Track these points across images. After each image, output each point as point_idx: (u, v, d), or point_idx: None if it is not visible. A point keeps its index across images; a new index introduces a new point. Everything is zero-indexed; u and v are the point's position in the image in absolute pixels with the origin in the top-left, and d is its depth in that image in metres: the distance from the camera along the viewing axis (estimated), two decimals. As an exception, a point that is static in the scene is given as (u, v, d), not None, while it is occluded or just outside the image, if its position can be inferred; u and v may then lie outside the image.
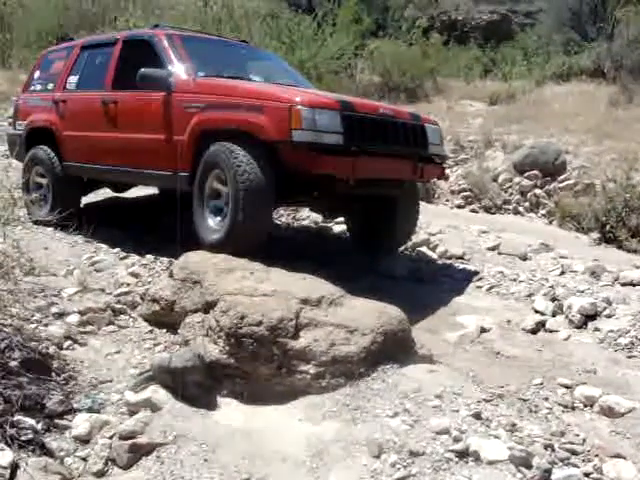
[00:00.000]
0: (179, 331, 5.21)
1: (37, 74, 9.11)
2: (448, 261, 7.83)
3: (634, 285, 7.09)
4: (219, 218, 6.09)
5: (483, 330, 5.84)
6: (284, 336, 4.59)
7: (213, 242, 5.95)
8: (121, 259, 7.01)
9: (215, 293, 5.00)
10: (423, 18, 28.26)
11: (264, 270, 5.41)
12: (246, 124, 5.88)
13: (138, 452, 4.04)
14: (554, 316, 6.25)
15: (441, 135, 7.22)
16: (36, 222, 8.00)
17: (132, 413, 4.39)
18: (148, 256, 6.95)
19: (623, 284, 7.12)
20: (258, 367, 4.57)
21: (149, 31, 7.63)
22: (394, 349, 4.76)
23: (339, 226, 8.84)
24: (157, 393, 4.49)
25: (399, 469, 3.73)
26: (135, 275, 6.48)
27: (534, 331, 6.02)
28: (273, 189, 5.85)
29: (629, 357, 5.58)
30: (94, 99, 7.67)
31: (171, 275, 5.59)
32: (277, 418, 4.36)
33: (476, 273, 7.27)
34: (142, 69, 6.60)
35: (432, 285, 6.74)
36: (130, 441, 4.08)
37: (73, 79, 8.31)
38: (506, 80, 21.08)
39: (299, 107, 5.62)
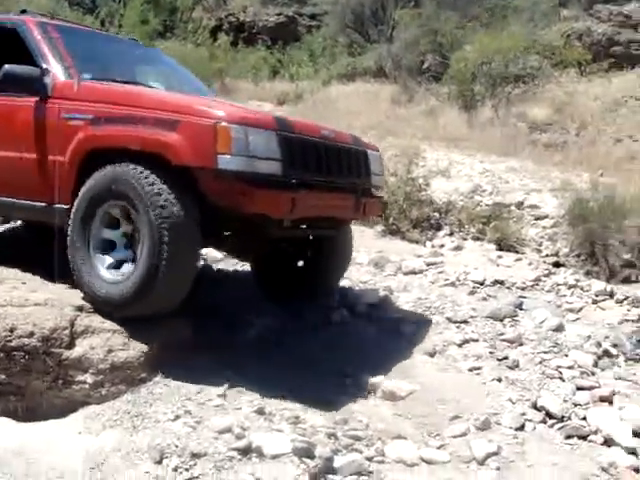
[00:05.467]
0: (-56, 350, 4.82)
1: None
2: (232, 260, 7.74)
3: (415, 273, 7.42)
4: (122, 266, 4.74)
5: (269, 327, 5.82)
6: (59, 346, 4.37)
7: (115, 299, 4.57)
8: None
9: (-17, 306, 4.67)
10: (211, 19, 28.35)
11: (38, 280, 5.12)
12: (154, 144, 4.56)
13: None
14: (339, 308, 6.35)
15: (382, 163, 6.21)
16: None
17: None
18: None
19: (405, 273, 7.45)
20: (32, 381, 4.33)
21: (15, 17, 5.95)
22: (177, 351, 4.67)
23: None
24: None
25: (181, 473, 3.66)
26: None
27: (322, 324, 6.07)
28: (199, 227, 4.64)
29: (410, 342, 5.79)
30: None
31: None
32: (55, 433, 4.13)
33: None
34: (6, 65, 5.14)
35: (220, 282, 6.66)
36: None
37: None
38: (293, 80, 21.52)
39: (227, 124, 4.43)
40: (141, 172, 4.53)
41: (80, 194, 4.82)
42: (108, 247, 4.82)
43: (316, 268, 6.31)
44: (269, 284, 6.45)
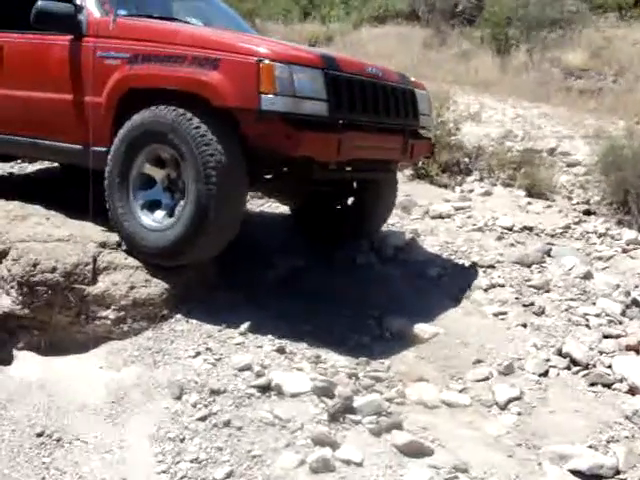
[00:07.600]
0: (-31, 284, 4.85)
1: None
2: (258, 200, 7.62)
3: (443, 217, 7.34)
4: (161, 213, 4.60)
5: (294, 267, 5.73)
6: (81, 282, 4.39)
7: (159, 248, 4.47)
8: None
9: (7, 241, 4.68)
10: (240, -40, 27.87)
11: (62, 216, 5.09)
12: (194, 84, 4.37)
13: None
14: (366, 250, 6.23)
15: (430, 103, 5.96)
16: None
17: None
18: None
19: (433, 217, 7.37)
20: (55, 316, 4.37)
21: None
22: (200, 289, 4.68)
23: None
24: (-57, 351, 4.20)
25: (200, 409, 3.68)
26: None
27: (348, 266, 5.98)
28: (245, 170, 4.49)
29: (435, 286, 5.74)
30: None
31: (-42, 225, 5.19)
32: (77, 367, 4.18)
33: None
34: (39, 2, 4.87)
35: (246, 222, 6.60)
36: None
37: None
38: (324, 23, 21.18)
39: (271, 62, 4.19)
40: (184, 114, 4.36)
41: (119, 137, 4.65)
42: (146, 185, 4.67)
43: (359, 212, 6.18)
44: (309, 226, 6.34)
